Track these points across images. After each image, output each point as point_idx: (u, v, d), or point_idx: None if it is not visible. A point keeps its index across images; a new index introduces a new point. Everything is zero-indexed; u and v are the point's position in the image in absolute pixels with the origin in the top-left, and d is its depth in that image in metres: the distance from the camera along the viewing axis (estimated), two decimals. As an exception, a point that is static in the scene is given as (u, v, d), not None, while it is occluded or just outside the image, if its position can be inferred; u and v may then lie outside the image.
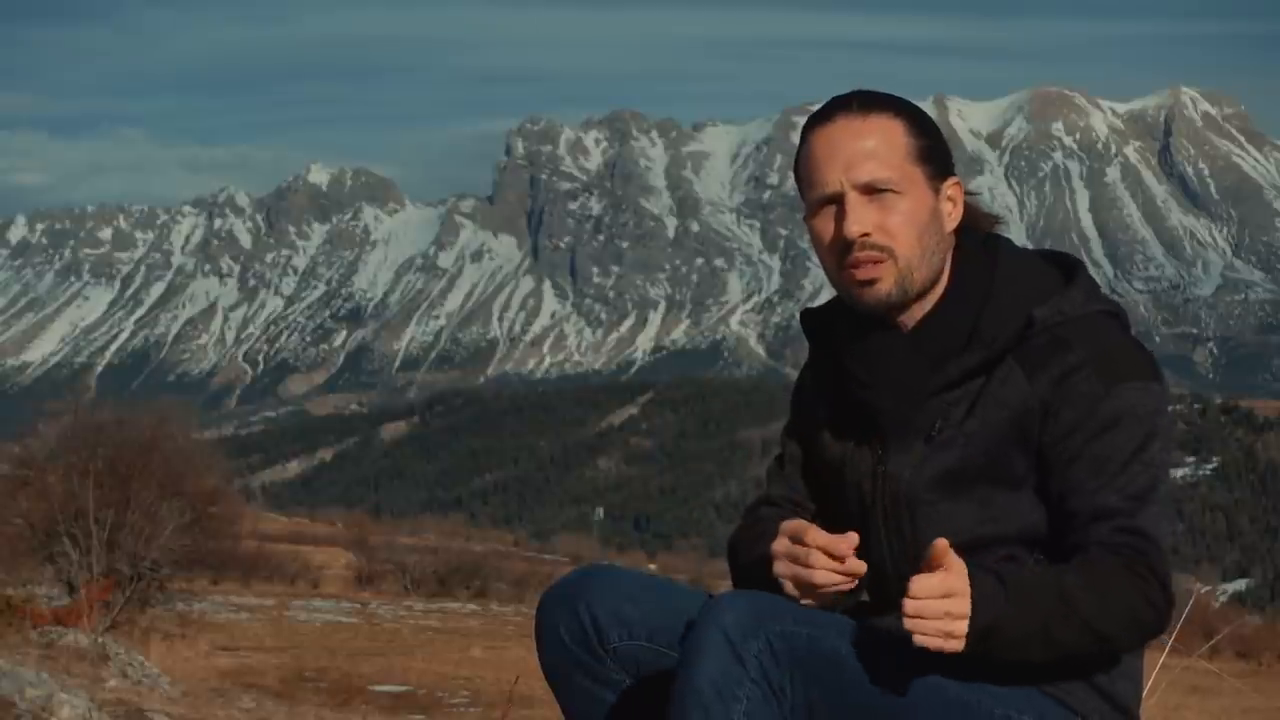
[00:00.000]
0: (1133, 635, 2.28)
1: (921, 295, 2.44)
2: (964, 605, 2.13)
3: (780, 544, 2.34)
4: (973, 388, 2.41)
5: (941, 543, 2.15)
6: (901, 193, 2.39)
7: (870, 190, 2.39)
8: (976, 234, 2.51)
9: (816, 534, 2.29)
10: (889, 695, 2.25)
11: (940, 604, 2.13)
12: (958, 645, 2.15)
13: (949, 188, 2.45)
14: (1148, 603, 2.26)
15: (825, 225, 2.42)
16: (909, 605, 2.14)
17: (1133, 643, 2.31)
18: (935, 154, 2.45)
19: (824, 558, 2.28)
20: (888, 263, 2.39)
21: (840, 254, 2.41)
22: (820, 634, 2.24)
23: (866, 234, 2.38)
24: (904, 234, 2.39)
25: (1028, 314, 2.40)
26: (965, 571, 2.15)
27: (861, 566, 2.29)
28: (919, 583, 2.13)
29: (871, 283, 2.40)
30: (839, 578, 2.28)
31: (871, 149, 2.39)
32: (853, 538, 2.29)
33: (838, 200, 2.40)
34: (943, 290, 2.46)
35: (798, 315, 2.68)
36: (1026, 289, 2.44)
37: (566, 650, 2.46)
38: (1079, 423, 2.34)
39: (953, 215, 2.46)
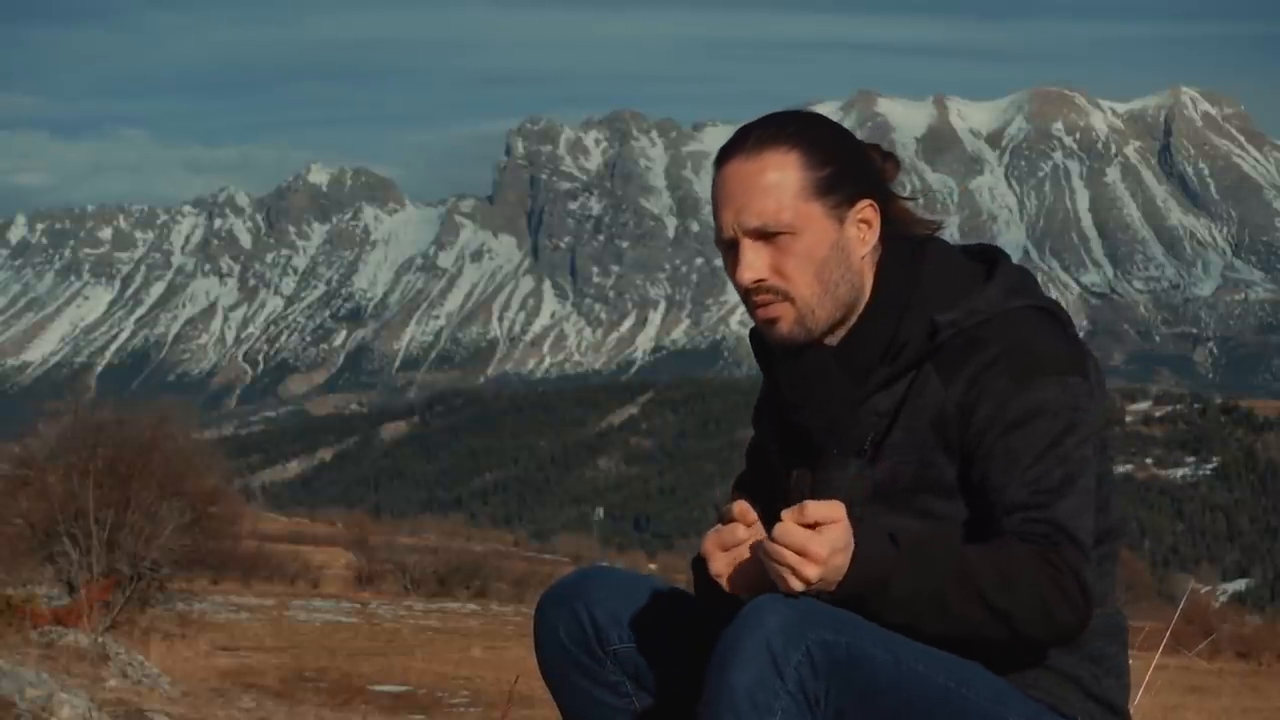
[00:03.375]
0: (1041, 623, 2.21)
1: (835, 326, 2.40)
2: (812, 571, 2.10)
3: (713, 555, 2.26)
4: (897, 399, 2.36)
5: (817, 505, 2.12)
6: (796, 233, 2.33)
7: (761, 235, 2.34)
8: (907, 240, 2.43)
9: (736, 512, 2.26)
10: (918, 704, 2.21)
11: (789, 557, 2.11)
12: (795, 588, 2.12)
13: (860, 211, 2.37)
14: (1057, 588, 2.20)
15: (730, 267, 2.39)
16: (765, 544, 2.13)
17: (1043, 632, 2.23)
18: (840, 181, 2.35)
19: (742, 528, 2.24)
20: (785, 304, 2.35)
21: (744, 296, 2.39)
22: (859, 643, 2.17)
23: (760, 280, 2.35)
24: (800, 275, 2.34)
25: (930, 320, 2.35)
26: (833, 537, 2.11)
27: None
28: (781, 529, 2.11)
29: (773, 322, 2.38)
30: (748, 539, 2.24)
31: (762, 192, 2.32)
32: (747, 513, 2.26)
33: (733, 245, 2.37)
34: (865, 304, 2.40)
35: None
36: (942, 294, 2.37)
37: (565, 651, 2.46)
38: (992, 420, 2.29)
39: (865, 238, 2.38)
